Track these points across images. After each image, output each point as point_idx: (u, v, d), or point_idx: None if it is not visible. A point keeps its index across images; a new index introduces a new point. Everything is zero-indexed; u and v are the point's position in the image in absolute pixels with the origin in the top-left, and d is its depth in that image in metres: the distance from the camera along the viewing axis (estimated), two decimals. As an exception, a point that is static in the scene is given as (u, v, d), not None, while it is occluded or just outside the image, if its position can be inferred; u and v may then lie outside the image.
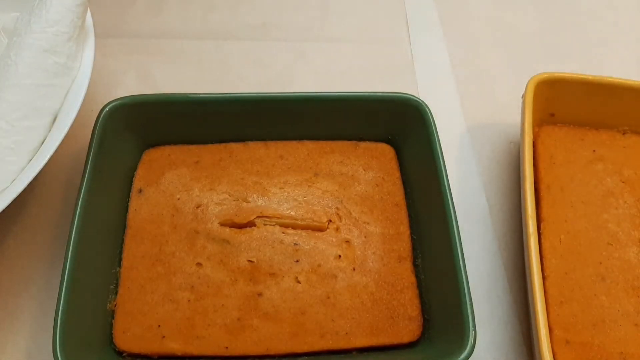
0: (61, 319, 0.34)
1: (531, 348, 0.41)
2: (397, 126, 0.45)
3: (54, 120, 0.39)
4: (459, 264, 0.37)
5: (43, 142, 0.39)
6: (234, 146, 0.46)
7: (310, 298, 0.39)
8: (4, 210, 0.35)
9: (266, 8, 0.59)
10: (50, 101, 0.39)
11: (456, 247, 0.38)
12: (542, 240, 0.41)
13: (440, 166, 0.41)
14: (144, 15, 0.59)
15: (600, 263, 0.40)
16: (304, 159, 0.45)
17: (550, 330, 0.37)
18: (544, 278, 0.39)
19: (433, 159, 0.42)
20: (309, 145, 0.46)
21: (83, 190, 0.39)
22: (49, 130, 0.39)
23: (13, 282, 0.42)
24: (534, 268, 0.37)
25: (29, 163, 0.38)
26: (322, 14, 0.60)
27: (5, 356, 0.39)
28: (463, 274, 0.37)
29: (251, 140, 0.46)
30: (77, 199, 0.38)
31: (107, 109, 0.42)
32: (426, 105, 0.44)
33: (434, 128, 0.43)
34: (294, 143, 0.46)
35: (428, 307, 0.39)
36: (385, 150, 0.46)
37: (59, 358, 0.33)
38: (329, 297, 0.39)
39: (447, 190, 0.40)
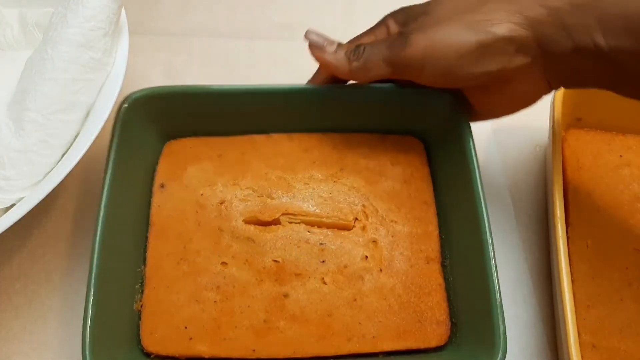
0: (91, 319, 0.33)
1: (556, 352, 0.41)
2: (427, 121, 0.43)
3: (87, 115, 0.39)
4: (490, 267, 0.35)
5: (75, 137, 0.38)
6: (257, 138, 0.44)
7: (336, 300, 0.38)
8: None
9: (293, 8, 0.59)
10: (85, 96, 0.38)
11: (488, 249, 0.36)
12: (569, 244, 0.41)
13: (474, 164, 0.39)
14: (172, 13, 0.58)
15: (627, 268, 0.40)
16: (329, 152, 0.43)
17: (577, 334, 0.37)
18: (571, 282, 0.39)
19: (465, 156, 0.39)
20: (334, 137, 0.44)
21: (106, 184, 0.37)
22: (81, 125, 0.38)
23: (35, 271, 0.43)
24: (563, 271, 0.37)
25: (61, 157, 0.37)
26: (348, 14, 0.59)
27: (22, 344, 0.40)
28: (495, 277, 0.35)
29: (274, 132, 0.44)
30: (101, 194, 0.37)
31: (129, 100, 0.40)
32: (460, 100, 0.41)
33: (468, 124, 0.40)
34: (319, 135, 0.44)
35: (456, 311, 0.38)
36: (414, 144, 0.44)
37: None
38: (355, 299, 0.38)
39: (480, 190, 0.38)
